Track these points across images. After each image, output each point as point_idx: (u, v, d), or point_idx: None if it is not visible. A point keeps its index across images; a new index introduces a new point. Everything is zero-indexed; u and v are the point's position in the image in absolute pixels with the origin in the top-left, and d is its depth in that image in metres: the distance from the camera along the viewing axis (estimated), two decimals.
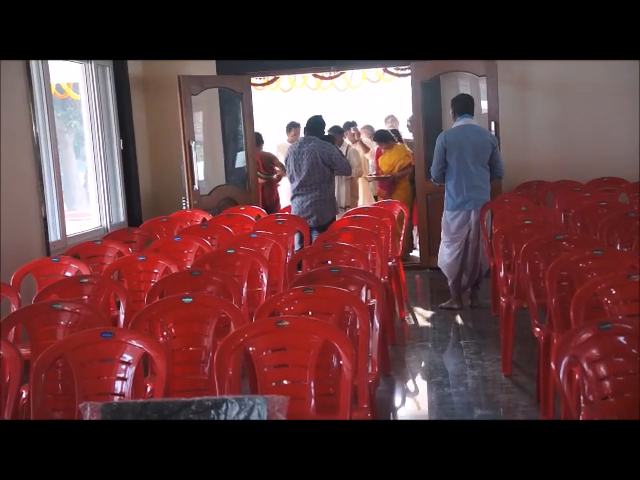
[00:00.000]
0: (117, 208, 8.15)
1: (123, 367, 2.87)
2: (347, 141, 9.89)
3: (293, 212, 7.02)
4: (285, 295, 3.65)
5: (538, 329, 4.35)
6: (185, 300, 3.50)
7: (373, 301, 4.18)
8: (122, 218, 8.16)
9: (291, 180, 7.14)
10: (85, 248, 5.68)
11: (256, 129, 8.83)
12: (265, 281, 4.75)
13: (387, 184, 9.07)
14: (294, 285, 3.92)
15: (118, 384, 2.88)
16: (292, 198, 7.10)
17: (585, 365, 2.68)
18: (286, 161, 7.10)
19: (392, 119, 10.80)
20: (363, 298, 4.14)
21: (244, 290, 4.57)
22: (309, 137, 7.00)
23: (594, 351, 2.69)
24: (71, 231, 7.10)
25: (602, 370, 2.70)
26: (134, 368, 2.85)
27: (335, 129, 9.46)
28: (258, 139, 9.56)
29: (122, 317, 4.05)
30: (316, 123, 7.08)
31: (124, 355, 2.87)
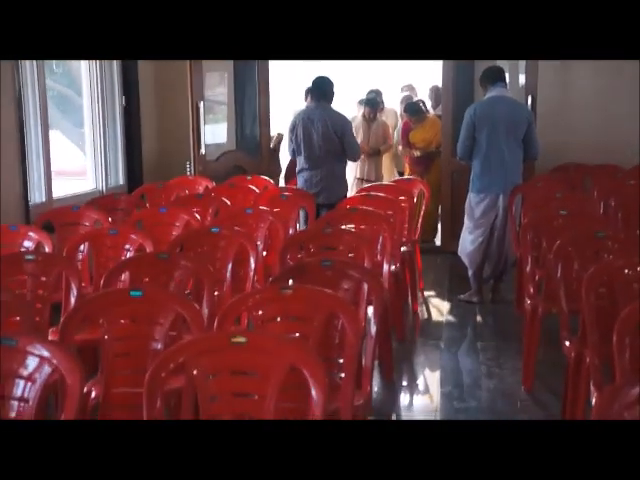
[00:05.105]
0: (116, 170, 7.51)
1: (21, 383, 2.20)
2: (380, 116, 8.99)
3: (300, 187, 6.29)
4: (255, 295, 2.96)
5: (568, 342, 3.66)
6: (133, 294, 2.84)
7: None
8: (121, 181, 7.52)
9: (294, 153, 6.35)
10: (60, 214, 5.05)
11: (271, 94, 8.10)
12: (253, 267, 4.07)
13: (424, 160, 8.26)
14: (275, 280, 3.25)
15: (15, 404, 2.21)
16: (299, 172, 6.34)
17: None
18: (293, 130, 6.26)
19: (409, 88, 9.95)
20: (365, 295, 3.43)
21: (228, 278, 3.94)
22: (319, 103, 6.18)
23: None
24: (65, 192, 6.50)
25: None
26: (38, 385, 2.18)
27: (372, 102, 8.70)
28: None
29: (72, 303, 3.41)
30: (324, 85, 6.19)
31: (23, 368, 2.19)
